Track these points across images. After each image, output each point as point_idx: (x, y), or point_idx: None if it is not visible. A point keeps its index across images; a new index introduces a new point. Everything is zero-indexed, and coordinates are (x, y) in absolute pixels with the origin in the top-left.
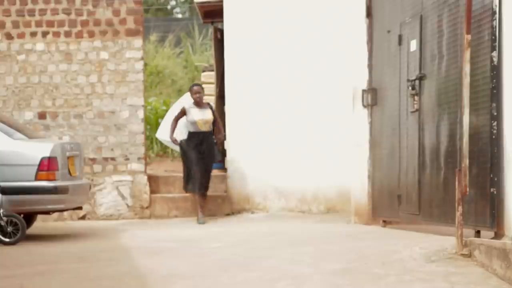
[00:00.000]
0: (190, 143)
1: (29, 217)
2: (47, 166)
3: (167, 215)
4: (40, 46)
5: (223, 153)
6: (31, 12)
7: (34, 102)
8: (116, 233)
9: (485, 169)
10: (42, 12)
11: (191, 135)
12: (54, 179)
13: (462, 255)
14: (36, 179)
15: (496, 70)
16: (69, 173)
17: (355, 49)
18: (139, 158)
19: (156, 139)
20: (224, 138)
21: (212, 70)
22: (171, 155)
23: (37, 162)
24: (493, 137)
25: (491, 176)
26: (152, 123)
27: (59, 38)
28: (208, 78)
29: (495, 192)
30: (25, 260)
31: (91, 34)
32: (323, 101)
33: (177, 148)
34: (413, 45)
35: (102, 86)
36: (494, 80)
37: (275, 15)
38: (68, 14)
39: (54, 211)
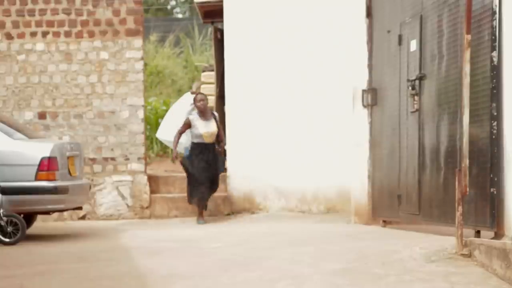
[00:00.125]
0: (193, 154)
1: (29, 217)
2: (47, 166)
3: (167, 215)
4: (40, 46)
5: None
6: (31, 12)
7: (34, 102)
8: (116, 233)
9: (485, 169)
10: (42, 12)
11: (195, 146)
12: (54, 179)
13: (462, 255)
14: (36, 179)
15: (496, 70)
16: (69, 173)
17: (355, 49)
18: (139, 158)
19: (156, 139)
20: (225, 144)
21: (212, 70)
22: (171, 155)
23: (37, 162)
24: (493, 137)
25: (491, 176)
26: (152, 123)
27: (59, 38)
28: (208, 78)
29: (495, 192)
30: (25, 260)
31: (91, 34)
32: (323, 101)
33: (177, 148)
34: (413, 45)
35: (102, 86)
36: (494, 80)
37: (275, 15)
38: (68, 14)
39: (54, 211)
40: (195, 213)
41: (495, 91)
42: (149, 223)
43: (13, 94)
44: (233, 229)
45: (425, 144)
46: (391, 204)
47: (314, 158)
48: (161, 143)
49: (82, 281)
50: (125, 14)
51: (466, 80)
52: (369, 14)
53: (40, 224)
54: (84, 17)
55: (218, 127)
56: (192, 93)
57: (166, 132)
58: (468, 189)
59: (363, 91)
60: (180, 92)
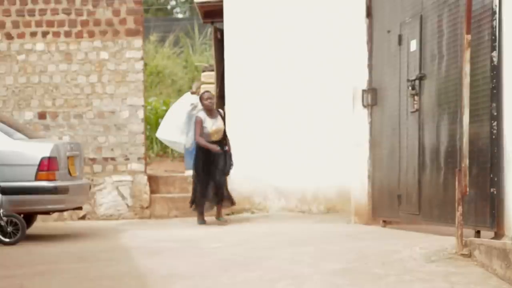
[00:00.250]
0: (201, 153)
1: (29, 217)
2: (47, 166)
3: (167, 215)
4: (40, 46)
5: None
6: (31, 12)
7: (34, 102)
8: (116, 233)
9: (485, 169)
10: (42, 12)
11: (201, 147)
12: (54, 179)
13: (462, 255)
14: (36, 179)
15: (496, 70)
16: (69, 173)
17: (355, 49)
18: (139, 158)
19: (156, 139)
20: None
21: (212, 70)
22: (171, 155)
23: (37, 162)
24: (493, 137)
25: (491, 176)
26: (152, 123)
27: (59, 38)
28: (208, 78)
29: (495, 192)
30: (25, 260)
31: (91, 34)
32: (323, 101)
33: (177, 148)
34: (413, 45)
35: (102, 86)
36: (494, 80)
37: (275, 15)
38: (68, 14)
39: (54, 211)
40: (195, 213)
41: (495, 91)
42: (149, 223)
43: (13, 94)
44: (233, 229)
45: (425, 144)
46: (391, 204)
47: (314, 158)
48: (161, 143)
49: (82, 281)
50: (125, 14)
51: (466, 80)
52: (369, 14)
53: (40, 224)
54: (84, 17)
55: (224, 124)
56: (192, 93)
57: (166, 132)
58: (468, 189)
59: (363, 91)
60: (180, 92)
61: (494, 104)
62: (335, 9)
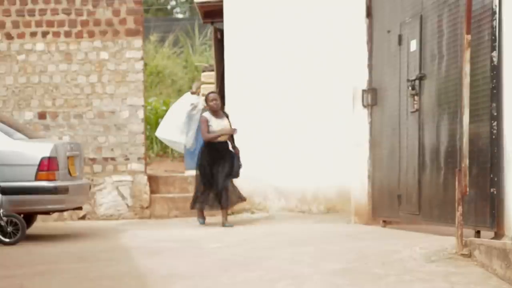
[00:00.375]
0: (205, 154)
1: (29, 217)
2: (47, 166)
3: (167, 215)
4: (40, 46)
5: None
6: (31, 12)
7: (34, 102)
8: (116, 233)
9: (485, 169)
10: (42, 12)
11: (208, 145)
12: (54, 179)
13: (462, 255)
14: (36, 179)
15: (496, 70)
16: (69, 173)
17: (355, 49)
18: (139, 158)
19: (156, 138)
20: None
21: (212, 70)
22: (171, 155)
23: (37, 162)
24: (493, 137)
25: (491, 176)
26: (152, 123)
27: (59, 38)
28: (208, 78)
29: (495, 192)
30: (25, 260)
31: (91, 34)
32: (323, 101)
33: (177, 148)
34: (413, 45)
35: (102, 86)
36: (494, 80)
37: (275, 15)
38: (68, 14)
39: (54, 211)
40: (196, 213)
41: (495, 91)
42: (149, 223)
43: (13, 94)
44: (233, 229)
45: (425, 144)
46: (391, 204)
47: (314, 158)
48: (161, 143)
49: (82, 281)
50: (125, 14)
51: (466, 80)
52: (369, 14)
53: (40, 224)
54: (84, 17)
55: (230, 125)
56: (192, 93)
57: (165, 131)
58: (468, 189)
59: (363, 91)
60: (180, 92)
61: (494, 104)
62: (335, 9)
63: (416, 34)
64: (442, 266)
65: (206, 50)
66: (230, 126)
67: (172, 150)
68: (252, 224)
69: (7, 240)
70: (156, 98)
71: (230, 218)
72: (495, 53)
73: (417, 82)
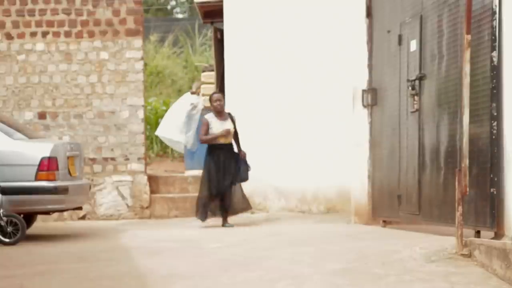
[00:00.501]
0: (209, 160)
1: (29, 217)
2: (47, 166)
3: (167, 215)
4: (40, 46)
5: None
6: (31, 12)
7: (34, 102)
8: (116, 233)
9: (485, 169)
10: (42, 12)
11: (211, 148)
12: (54, 179)
13: (462, 255)
14: (36, 179)
15: (496, 70)
16: (69, 173)
17: (355, 49)
18: (139, 158)
19: (156, 138)
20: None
21: (212, 70)
22: (171, 155)
23: (37, 162)
24: (493, 137)
25: (491, 176)
26: (152, 123)
27: (59, 38)
28: (208, 78)
29: (495, 192)
30: (25, 260)
31: (91, 34)
32: (323, 101)
33: (176, 148)
34: (413, 45)
35: (102, 86)
36: (494, 80)
37: (275, 15)
38: (68, 14)
39: (54, 211)
40: (196, 213)
41: (495, 91)
42: (149, 223)
43: (13, 94)
44: (233, 229)
45: (425, 144)
46: (391, 204)
47: (314, 158)
48: (161, 143)
49: (82, 281)
50: (125, 14)
51: (466, 80)
52: (369, 14)
53: (40, 224)
54: (84, 17)
55: (235, 128)
56: (192, 93)
57: (165, 130)
58: (468, 189)
59: (363, 91)
60: (180, 92)
61: (494, 104)
62: (335, 9)
63: (416, 34)
64: (442, 266)
65: (206, 50)
66: (234, 128)
67: (172, 150)
68: (252, 224)
69: (7, 240)
70: (156, 98)
71: (230, 218)
72: (495, 53)
73: (417, 82)
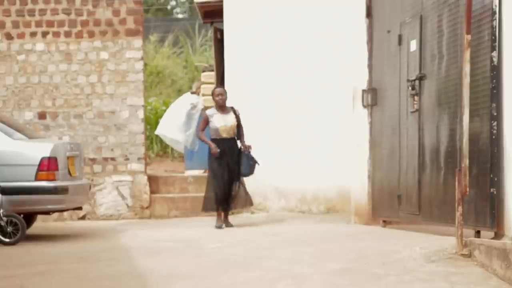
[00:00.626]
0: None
1: (29, 217)
2: (47, 166)
3: (167, 215)
4: (40, 46)
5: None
6: (31, 12)
7: (34, 102)
8: (116, 233)
9: (485, 169)
10: (42, 12)
11: (213, 142)
12: (54, 179)
13: (462, 255)
14: (36, 179)
15: (496, 70)
16: (69, 173)
17: (355, 49)
18: (139, 158)
19: (156, 138)
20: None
21: (212, 70)
22: (171, 155)
23: (37, 162)
24: (493, 137)
25: (491, 176)
26: (152, 123)
27: (59, 38)
28: (208, 78)
29: (495, 192)
30: (25, 260)
31: (91, 34)
32: (323, 101)
33: (177, 148)
34: (413, 45)
35: (102, 86)
36: (494, 80)
37: (275, 15)
38: (68, 14)
39: (54, 211)
40: (196, 213)
41: (495, 91)
42: (149, 223)
43: (13, 94)
44: (233, 229)
45: (425, 144)
46: (391, 204)
47: (314, 158)
48: (161, 143)
49: (82, 281)
50: (125, 14)
51: (466, 80)
52: (369, 14)
53: (40, 224)
54: (84, 17)
55: (238, 121)
56: (192, 93)
57: (165, 129)
58: (468, 189)
59: (363, 91)
60: (180, 92)
61: (494, 104)
62: (335, 9)
63: (416, 34)
64: (442, 266)
65: (206, 50)
66: (237, 121)
67: (172, 150)
68: (252, 224)
69: (7, 240)
70: (156, 98)
71: (230, 218)
72: (495, 53)
73: (417, 82)
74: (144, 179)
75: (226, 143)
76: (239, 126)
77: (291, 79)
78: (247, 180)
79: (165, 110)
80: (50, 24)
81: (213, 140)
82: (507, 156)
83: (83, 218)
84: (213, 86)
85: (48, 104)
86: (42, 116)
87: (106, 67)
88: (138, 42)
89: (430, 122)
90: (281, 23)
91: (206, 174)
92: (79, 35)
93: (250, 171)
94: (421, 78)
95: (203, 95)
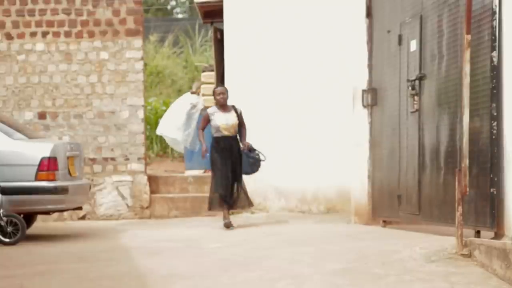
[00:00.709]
0: (214, 151)
1: (29, 217)
2: (47, 166)
3: (167, 215)
4: (40, 46)
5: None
6: (31, 12)
7: (34, 102)
8: (116, 233)
9: (485, 169)
10: (42, 12)
11: (215, 140)
12: (54, 179)
13: (462, 255)
14: (36, 179)
15: (496, 70)
16: (69, 173)
17: (355, 49)
18: (139, 158)
19: (156, 138)
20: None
21: (212, 70)
22: (171, 155)
23: (37, 162)
24: (493, 137)
25: (491, 176)
26: (152, 123)
27: (59, 38)
28: (208, 78)
29: (495, 192)
30: (25, 260)
31: (91, 34)
32: (323, 101)
33: (177, 148)
34: (413, 45)
35: (102, 86)
36: (494, 80)
37: (275, 15)
38: (68, 14)
39: (54, 211)
40: (196, 213)
41: (495, 91)
42: (149, 223)
43: (13, 94)
44: (233, 229)
45: (425, 144)
46: (391, 204)
47: (314, 158)
48: (161, 143)
49: (82, 281)
50: (125, 14)
51: (466, 80)
52: (369, 14)
53: (40, 224)
54: (84, 17)
55: (240, 119)
56: (192, 93)
57: (166, 129)
58: (468, 189)
59: (363, 91)
60: (180, 92)
61: (494, 104)
62: (335, 9)
63: (416, 34)
64: (442, 266)
65: (206, 50)
66: (239, 120)
67: (172, 150)
68: (252, 224)
69: (7, 240)
70: (156, 98)
71: (230, 218)
72: (495, 53)
73: (417, 82)
74: (144, 179)
75: (227, 141)
76: (240, 125)
77: (291, 79)
78: (247, 181)
79: (165, 110)
80: (50, 24)
81: (215, 138)
82: (507, 156)
83: (83, 218)
84: (213, 86)
85: (48, 104)
86: (42, 116)
87: (106, 67)
88: (138, 42)
89: (430, 122)
90: (281, 23)
91: (206, 174)
92: (79, 35)
93: (252, 170)
94: (421, 78)
95: (203, 95)
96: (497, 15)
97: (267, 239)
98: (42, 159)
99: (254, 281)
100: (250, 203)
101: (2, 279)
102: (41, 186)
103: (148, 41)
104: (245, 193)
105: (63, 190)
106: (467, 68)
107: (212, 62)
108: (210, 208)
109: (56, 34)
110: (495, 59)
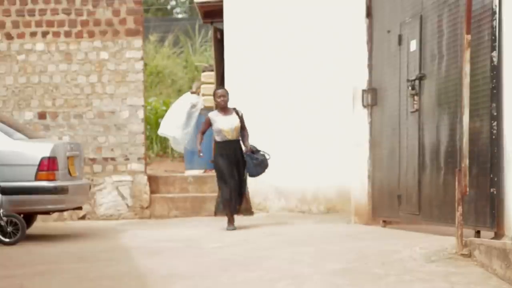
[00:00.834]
0: (218, 155)
1: (29, 217)
2: (47, 166)
3: (167, 215)
4: (40, 46)
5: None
6: (31, 12)
7: (34, 102)
8: (116, 233)
9: (485, 169)
10: (42, 12)
11: (218, 145)
12: (54, 179)
13: (462, 255)
14: (36, 179)
15: (496, 70)
16: (69, 173)
17: (355, 49)
18: (139, 158)
19: (157, 138)
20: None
21: (212, 70)
22: (171, 155)
23: (37, 162)
24: (493, 137)
25: (491, 176)
26: (152, 123)
27: (59, 38)
28: (208, 78)
29: (495, 192)
30: (25, 260)
31: (91, 34)
32: (323, 101)
33: (177, 148)
34: (413, 45)
35: (102, 86)
36: (494, 80)
37: (275, 15)
38: (68, 14)
39: (54, 211)
40: (196, 213)
41: (495, 91)
42: (149, 223)
43: (13, 94)
44: (233, 230)
45: (425, 144)
46: (391, 204)
47: (314, 158)
48: (161, 143)
49: (82, 281)
50: (125, 14)
51: (466, 80)
52: (369, 14)
53: (40, 224)
54: (84, 17)
55: (242, 122)
56: (192, 93)
57: (167, 129)
58: (468, 189)
59: (363, 91)
60: (180, 92)
61: (494, 104)
62: (335, 9)
63: (416, 34)
64: (442, 266)
65: (206, 50)
66: (241, 123)
67: (172, 150)
68: (252, 224)
69: (7, 240)
70: (156, 98)
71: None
72: (495, 53)
73: (417, 82)
74: (144, 179)
75: (231, 146)
76: (242, 128)
77: (291, 79)
78: (248, 181)
79: (165, 110)
80: (50, 24)
81: (218, 144)
82: (507, 156)
83: (83, 218)
84: (213, 86)
85: (48, 104)
86: (42, 116)
87: (106, 67)
88: (138, 42)
89: (430, 122)
90: (281, 23)
91: (206, 174)
92: (79, 35)
93: (257, 171)
94: (421, 78)
95: (203, 95)
96: (497, 15)
97: (267, 239)
98: (42, 159)
99: (254, 281)
100: (250, 212)
101: (2, 279)
102: (41, 186)
103: (148, 41)
104: (247, 200)
105: (63, 190)
106: (467, 68)
107: (212, 62)
108: (216, 214)
109: (56, 34)
110: (495, 59)
